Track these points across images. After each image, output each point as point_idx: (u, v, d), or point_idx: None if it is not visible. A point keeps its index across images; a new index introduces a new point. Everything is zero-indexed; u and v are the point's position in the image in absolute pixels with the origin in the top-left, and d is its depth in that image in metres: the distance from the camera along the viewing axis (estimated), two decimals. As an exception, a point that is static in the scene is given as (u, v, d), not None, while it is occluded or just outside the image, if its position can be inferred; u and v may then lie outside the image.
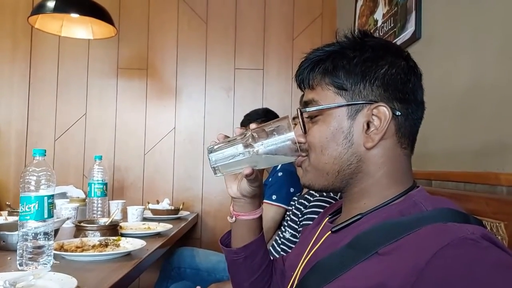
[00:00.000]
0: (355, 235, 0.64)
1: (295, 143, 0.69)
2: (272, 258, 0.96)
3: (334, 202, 1.24)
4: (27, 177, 1.11)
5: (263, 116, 2.17)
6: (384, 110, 0.65)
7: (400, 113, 0.66)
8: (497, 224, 0.64)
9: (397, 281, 0.52)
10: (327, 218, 0.81)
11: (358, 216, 0.68)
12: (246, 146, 0.73)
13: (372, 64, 0.67)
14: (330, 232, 0.71)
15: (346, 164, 0.68)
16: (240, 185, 0.83)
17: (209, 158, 0.75)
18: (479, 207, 0.74)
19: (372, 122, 0.66)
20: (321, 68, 0.70)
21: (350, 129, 0.67)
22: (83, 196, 2.30)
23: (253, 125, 0.75)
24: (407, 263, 0.53)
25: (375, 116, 0.66)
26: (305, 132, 0.71)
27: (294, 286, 0.73)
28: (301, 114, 0.71)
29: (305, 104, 0.72)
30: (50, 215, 1.12)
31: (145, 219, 2.02)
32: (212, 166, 0.75)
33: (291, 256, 0.89)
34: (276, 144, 0.71)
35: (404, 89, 0.68)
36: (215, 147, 0.76)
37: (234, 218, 0.88)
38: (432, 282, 0.50)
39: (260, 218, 0.89)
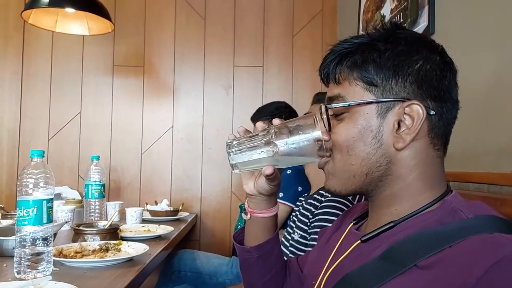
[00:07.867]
0: (389, 245, 0.59)
1: (321, 142, 0.64)
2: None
3: (346, 202, 1.19)
4: (25, 180, 1.04)
5: (274, 112, 2.09)
6: (417, 109, 0.60)
7: (434, 112, 0.61)
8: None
9: None
10: (352, 223, 0.76)
11: (391, 224, 0.62)
12: (268, 143, 0.68)
13: (406, 58, 0.62)
14: (359, 241, 0.66)
15: (375, 166, 0.63)
16: (257, 182, 0.79)
17: (228, 153, 0.70)
18: (518, 212, 0.70)
19: (403, 121, 0.61)
20: (349, 62, 0.64)
21: (379, 128, 0.62)
22: (79, 197, 2.23)
23: (276, 121, 0.70)
24: (454, 280, 0.48)
25: (407, 114, 0.61)
26: (329, 130, 0.66)
27: None
28: (327, 110, 0.66)
29: (329, 100, 0.67)
30: (49, 220, 1.06)
31: (143, 220, 1.96)
32: (231, 162, 0.70)
33: (310, 261, 0.84)
34: (300, 142, 0.66)
35: (439, 86, 0.62)
36: (234, 142, 0.71)
37: (249, 215, 0.84)
38: None
39: (276, 216, 0.85)
